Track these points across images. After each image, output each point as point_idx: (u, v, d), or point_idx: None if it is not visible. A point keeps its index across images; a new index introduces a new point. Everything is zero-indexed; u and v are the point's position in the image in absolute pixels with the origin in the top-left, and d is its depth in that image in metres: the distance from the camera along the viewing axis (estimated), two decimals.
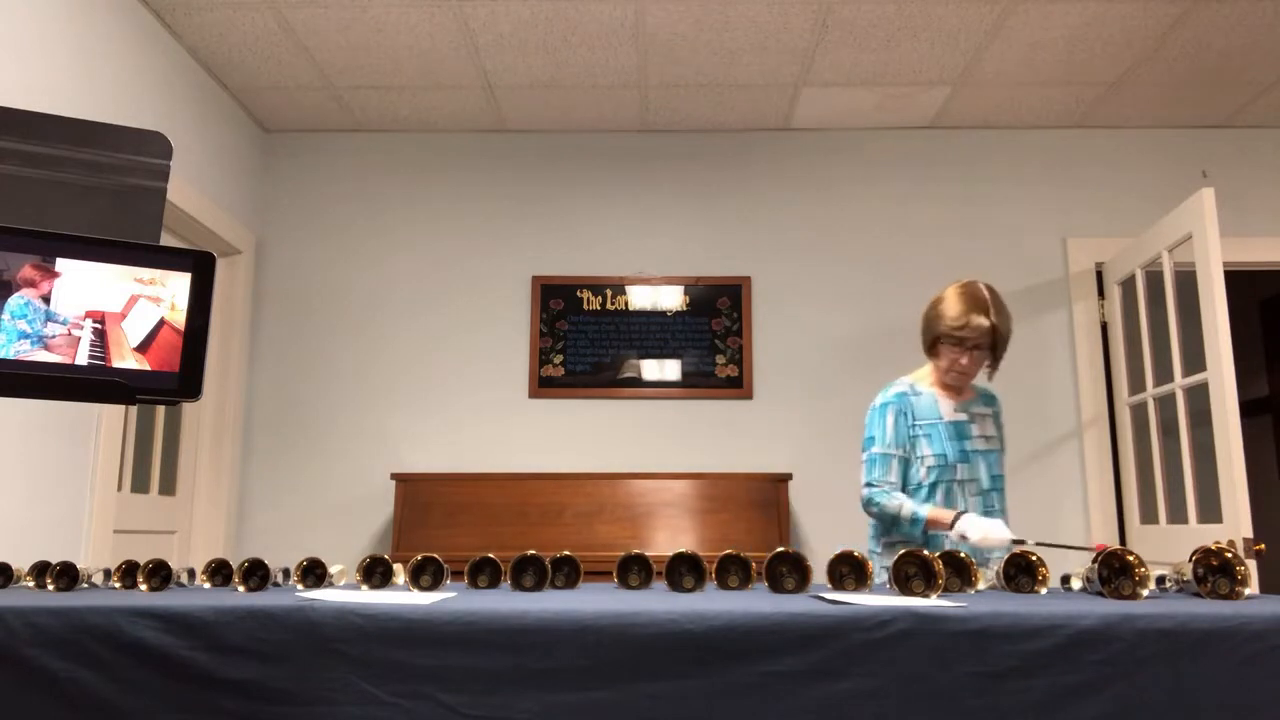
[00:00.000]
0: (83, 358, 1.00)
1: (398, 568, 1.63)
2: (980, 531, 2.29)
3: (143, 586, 1.59)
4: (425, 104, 4.01)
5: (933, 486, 2.46)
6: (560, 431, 4.01)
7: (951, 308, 2.46)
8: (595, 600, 1.27)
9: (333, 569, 1.69)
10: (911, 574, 1.40)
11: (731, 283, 4.11)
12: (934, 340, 2.51)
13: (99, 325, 1.01)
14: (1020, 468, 3.96)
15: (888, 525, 2.50)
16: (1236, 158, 4.13)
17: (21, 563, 1.80)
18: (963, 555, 1.55)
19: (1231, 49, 3.53)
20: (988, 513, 2.46)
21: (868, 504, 2.47)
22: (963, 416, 2.52)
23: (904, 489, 2.49)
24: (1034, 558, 1.55)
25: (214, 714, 1.18)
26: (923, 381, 2.57)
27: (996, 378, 4.19)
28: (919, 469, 2.47)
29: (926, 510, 2.38)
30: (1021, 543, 2.30)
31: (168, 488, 3.76)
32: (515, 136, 4.27)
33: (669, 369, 4.06)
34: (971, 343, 2.43)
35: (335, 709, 1.17)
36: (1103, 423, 3.96)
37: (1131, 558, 1.41)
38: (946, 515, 2.36)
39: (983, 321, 2.40)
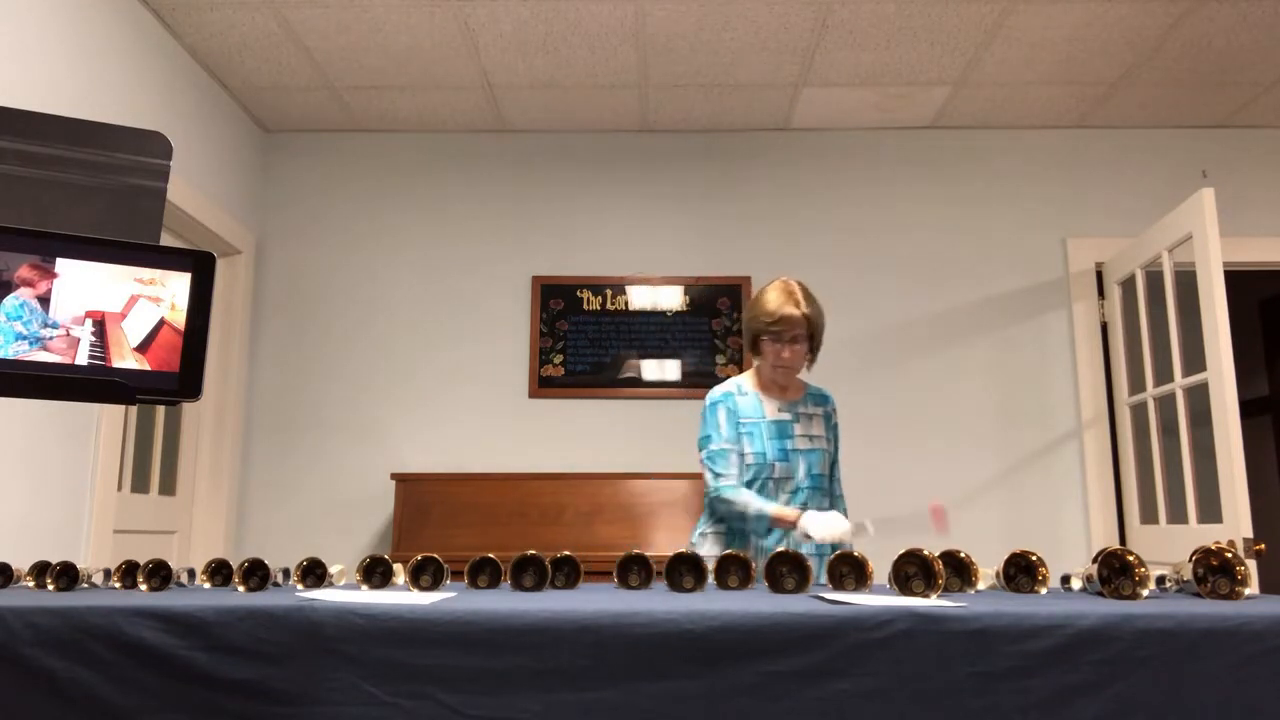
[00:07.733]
0: (83, 358, 1.00)
1: (398, 568, 1.63)
2: (821, 531, 2.40)
3: (143, 586, 1.59)
4: (425, 104, 4.01)
5: (749, 483, 2.55)
6: (560, 431, 4.01)
7: (767, 304, 2.57)
8: (595, 600, 1.27)
9: (333, 569, 1.69)
10: (911, 574, 1.40)
11: (731, 283, 4.11)
12: (755, 338, 2.61)
13: (99, 325, 1.01)
14: (1020, 468, 3.96)
15: (731, 517, 2.57)
16: (1236, 158, 4.13)
17: (22, 563, 1.80)
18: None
19: (1231, 49, 3.53)
20: (804, 510, 2.52)
21: (716, 497, 2.55)
22: (786, 416, 2.61)
23: None
24: (1034, 558, 1.55)
25: (214, 714, 1.18)
26: (748, 383, 2.67)
27: (1001, 374, 4.18)
28: (740, 466, 2.57)
29: (771, 509, 2.46)
30: (862, 526, 2.41)
31: (168, 488, 3.76)
32: (515, 136, 4.26)
33: (669, 369, 4.06)
34: (788, 335, 2.53)
35: (335, 709, 1.17)
36: (1103, 423, 3.96)
37: (1131, 558, 1.41)
38: (790, 514, 2.45)
39: (794, 312, 2.52)
